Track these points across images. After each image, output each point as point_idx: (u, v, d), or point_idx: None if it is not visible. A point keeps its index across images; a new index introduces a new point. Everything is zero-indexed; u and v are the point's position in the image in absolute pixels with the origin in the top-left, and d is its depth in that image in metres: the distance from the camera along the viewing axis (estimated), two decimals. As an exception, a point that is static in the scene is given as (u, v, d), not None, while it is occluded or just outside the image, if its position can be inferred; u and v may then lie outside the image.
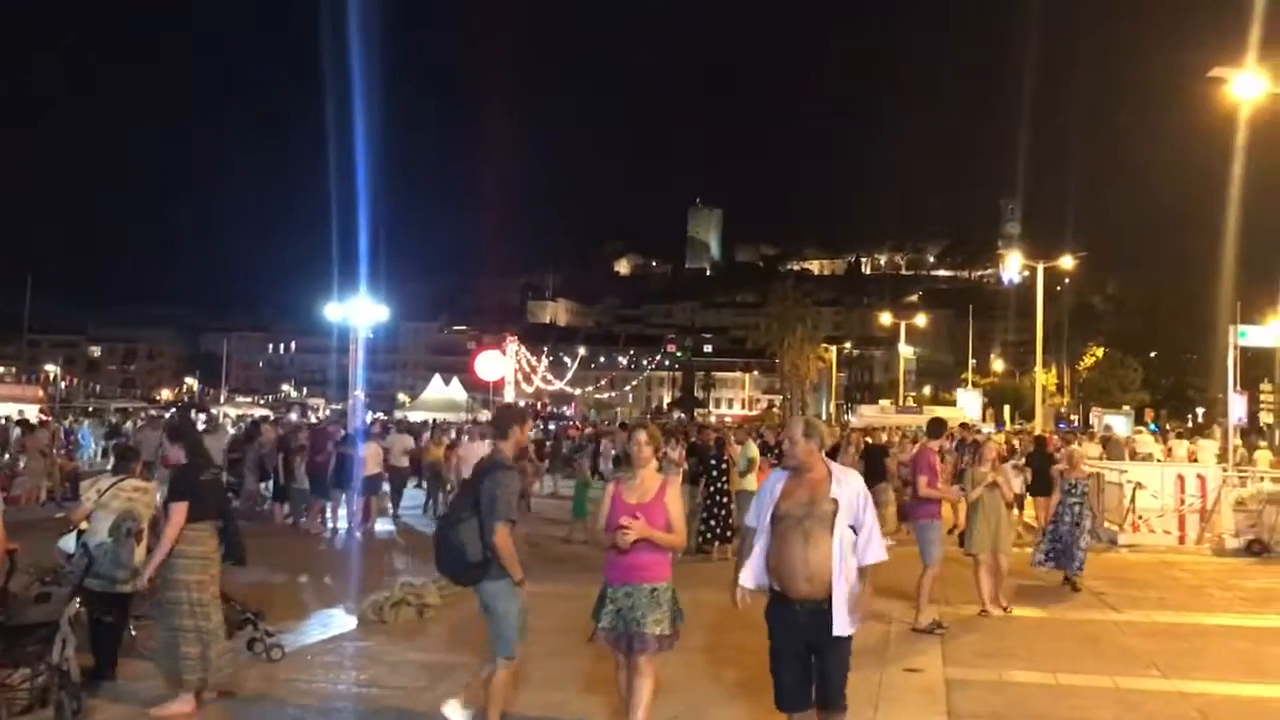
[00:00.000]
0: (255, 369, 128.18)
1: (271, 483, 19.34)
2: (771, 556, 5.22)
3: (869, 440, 22.21)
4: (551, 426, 44.44)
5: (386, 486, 19.49)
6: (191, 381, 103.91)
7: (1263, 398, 42.36)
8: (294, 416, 48.50)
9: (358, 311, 32.87)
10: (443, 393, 62.05)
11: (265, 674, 7.88)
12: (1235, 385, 30.60)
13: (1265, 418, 42.10)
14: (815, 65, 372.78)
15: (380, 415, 60.64)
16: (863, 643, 9.08)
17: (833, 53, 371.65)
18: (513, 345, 65.56)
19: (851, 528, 5.17)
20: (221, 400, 72.44)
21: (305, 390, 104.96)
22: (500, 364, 60.67)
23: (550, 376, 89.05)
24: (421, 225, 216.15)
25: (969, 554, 10.81)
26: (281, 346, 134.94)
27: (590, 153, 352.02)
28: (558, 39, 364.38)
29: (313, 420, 36.97)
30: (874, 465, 17.49)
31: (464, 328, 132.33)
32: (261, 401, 78.78)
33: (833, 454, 19.62)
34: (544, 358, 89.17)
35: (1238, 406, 33.42)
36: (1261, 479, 17.04)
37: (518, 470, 6.42)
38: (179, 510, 6.87)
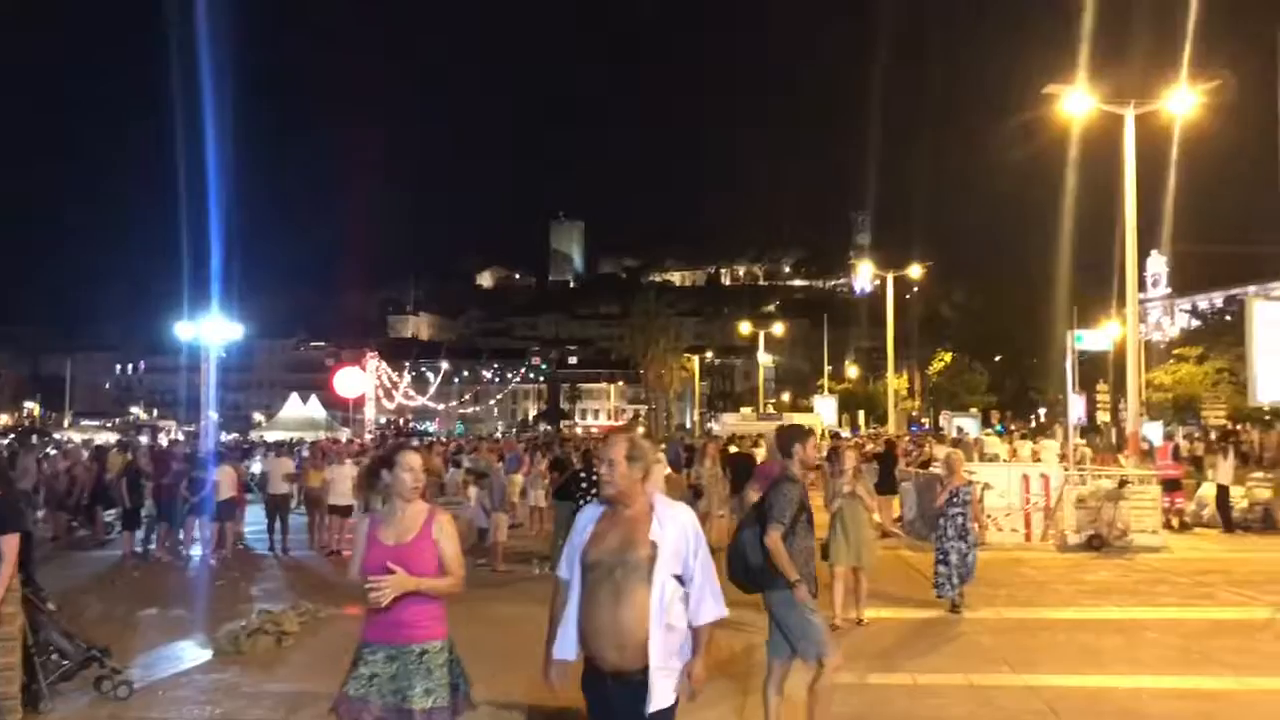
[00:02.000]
0: (101, 391, 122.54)
1: (119, 510, 18.49)
2: (581, 617, 4.13)
3: (733, 448, 22.41)
4: (416, 443, 43.68)
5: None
6: (33, 405, 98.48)
7: (1098, 398, 44.59)
8: (144, 439, 46.60)
9: (210, 329, 31.81)
10: (300, 411, 60.47)
11: (113, 713, 7.53)
12: (1074, 387, 32.21)
13: (1102, 416, 44.33)
14: (675, 80, 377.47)
15: (235, 436, 58.79)
16: (728, 653, 9.30)
17: (692, 67, 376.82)
18: (373, 361, 64.27)
19: (678, 578, 4.09)
20: (65, 424, 69.01)
21: (155, 412, 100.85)
22: (360, 380, 59.52)
23: (412, 392, 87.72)
24: (276, 238, 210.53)
25: (831, 565, 10.55)
26: (129, 367, 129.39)
27: (451, 165, 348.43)
28: (421, 51, 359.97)
29: (163, 443, 35.55)
30: (742, 474, 17.75)
31: (322, 344, 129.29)
32: (109, 425, 75.39)
33: (689, 462, 19.90)
34: (406, 373, 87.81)
35: (1076, 407, 35.16)
36: (1099, 477, 17.89)
37: (803, 483, 6.62)
38: (10, 542, 6.50)
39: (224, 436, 53.90)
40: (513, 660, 7.51)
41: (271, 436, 50.91)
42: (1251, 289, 66.44)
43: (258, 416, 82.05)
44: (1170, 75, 23.14)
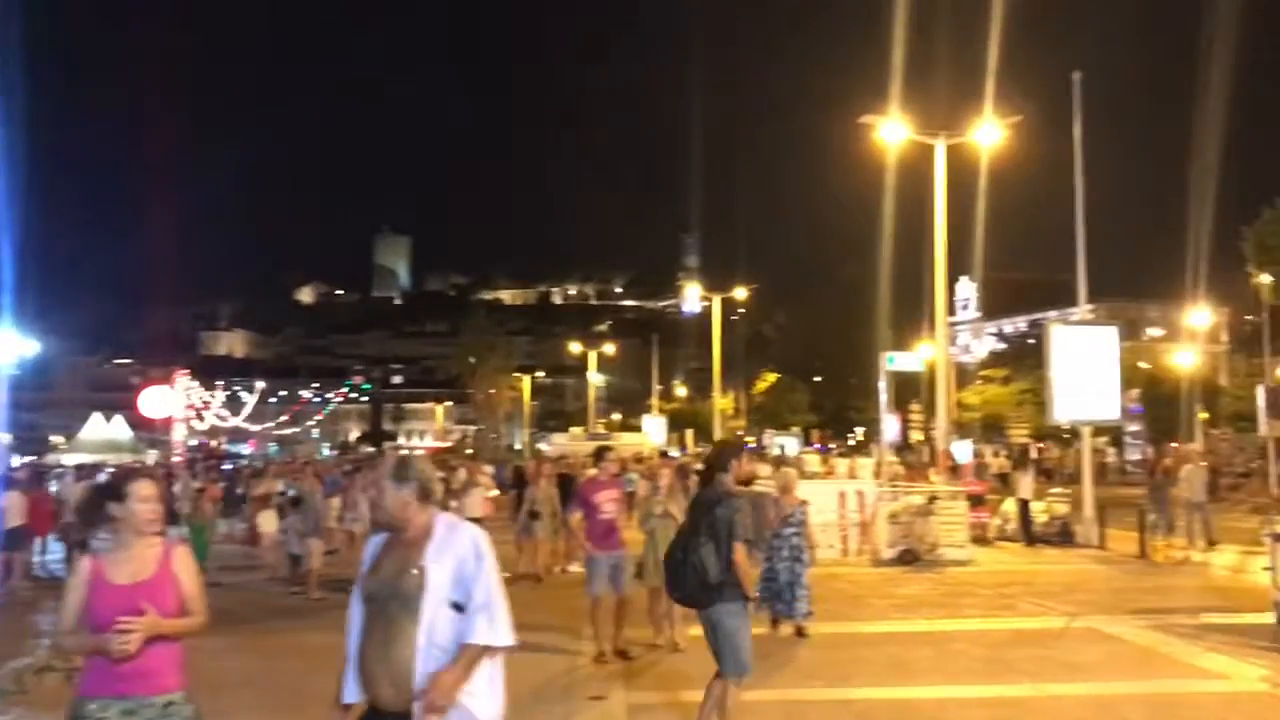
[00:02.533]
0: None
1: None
2: (359, 654, 3.84)
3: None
4: (227, 466, 41.81)
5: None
6: None
7: (912, 417, 46.43)
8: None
9: (2, 345, 29.68)
10: (103, 433, 57.09)
11: None
12: (888, 406, 33.46)
13: (915, 435, 46.18)
14: (504, 96, 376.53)
15: (31, 459, 55.07)
16: (550, 675, 9.15)
17: (519, 86, 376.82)
18: (183, 380, 61.25)
19: (458, 605, 3.74)
20: None
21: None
22: (169, 400, 56.59)
23: (225, 413, 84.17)
24: (81, 248, 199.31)
25: (644, 586, 10.34)
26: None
27: (272, 177, 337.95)
28: (244, 57, 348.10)
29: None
30: (564, 494, 17.68)
31: (128, 361, 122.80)
32: (-116, 448, 69.43)
33: (519, 483, 19.60)
34: (219, 392, 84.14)
35: (891, 426, 36.54)
36: (910, 493, 18.53)
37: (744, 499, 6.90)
38: None
39: (16, 460, 50.46)
40: (318, 698, 7.12)
41: (71, 459, 47.96)
42: (1053, 314, 70.61)
43: (55, 438, 77.18)
44: (977, 109, 24.34)
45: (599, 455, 11.34)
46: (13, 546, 16.28)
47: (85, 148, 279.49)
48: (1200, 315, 50.97)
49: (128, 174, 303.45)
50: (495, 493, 25.35)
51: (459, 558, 3.80)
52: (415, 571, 3.75)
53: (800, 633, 10.94)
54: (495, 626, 3.76)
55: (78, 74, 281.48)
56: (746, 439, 74.18)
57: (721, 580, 6.38)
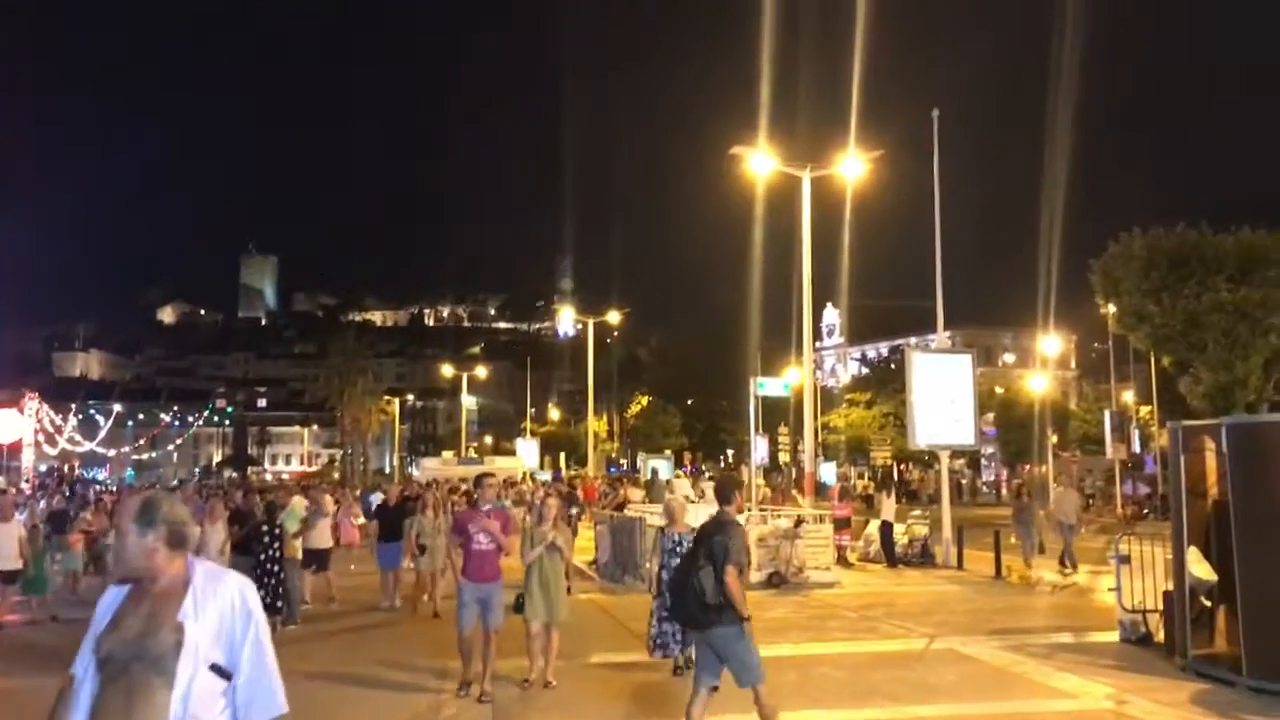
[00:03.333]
0: None
1: None
2: None
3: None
4: (76, 491, 39.98)
5: None
6: None
7: (780, 439, 47.33)
8: None
9: None
10: (-56, 458, 54.26)
11: None
12: (757, 429, 34.11)
13: (783, 457, 47.08)
14: (375, 114, 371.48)
15: None
16: (415, 713, 9.06)
17: (391, 106, 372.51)
18: (33, 403, 58.52)
19: (218, 669, 3.28)
20: None
21: None
22: (17, 424, 54.02)
23: (79, 437, 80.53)
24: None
25: (525, 620, 9.96)
26: None
27: (133, 191, 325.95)
28: (105, 67, 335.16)
29: None
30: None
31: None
32: None
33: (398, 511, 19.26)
34: (72, 415, 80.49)
35: (760, 448, 37.27)
36: (779, 516, 18.90)
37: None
38: None
39: None
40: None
41: (-93, 487, 45.29)
42: (912, 339, 73.09)
43: (-109, 465, 72.75)
44: (841, 143, 25.10)
45: (478, 483, 11.05)
46: None
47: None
48: (1051, 343, 53.33)
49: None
50: (362, 520, 24.96)
51: (221, 613, 3.32)
52: (173, 630, 3.26)
53: (678, 668, 10.26)
54: (275, 697, 3.37)
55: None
56: (620, 461, 74.68)
57: (719, 602, 6.89)
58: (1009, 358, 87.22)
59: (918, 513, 23.65)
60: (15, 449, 56.35)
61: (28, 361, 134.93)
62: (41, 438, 62.89)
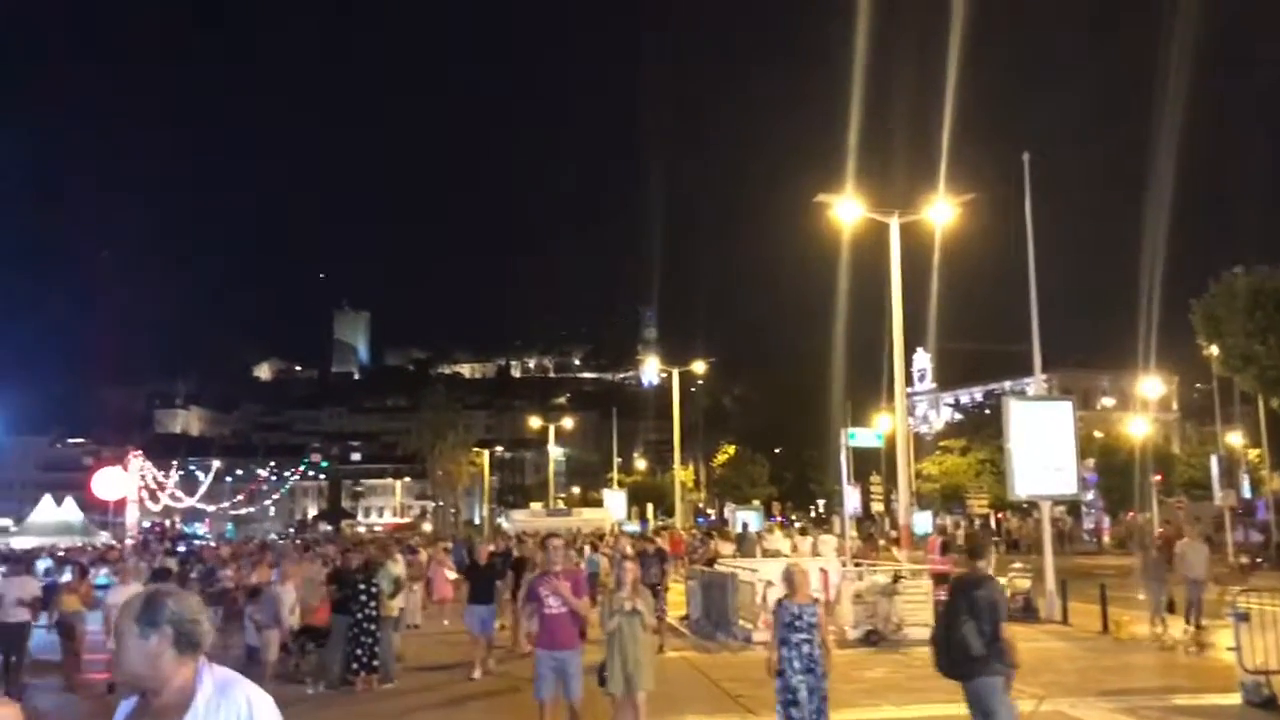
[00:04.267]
0: None
1: None
2: None
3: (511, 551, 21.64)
4: (182, 548, 40.96)
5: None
6: None
7: (872, 489, 46.50)
8: None
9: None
10: (55, 515, 56.17)
11: None
12: (849, 479, 33.54)
13: (876, 506, 46.24)
14: (463, 172, 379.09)
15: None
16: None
17: (480, 162, 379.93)
18: (136, 460, 60.28)
19: None
20: None
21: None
22: (122, 481, 55.67)
23: (180, 493, 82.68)
24: (32, 327, 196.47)
25: (606, 694, 9.31)
26: None
27: (229, 252, 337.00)
28: (200, 133, 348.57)
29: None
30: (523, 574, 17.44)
31: (81, 441, 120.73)
32: None
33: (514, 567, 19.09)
34: (174, 472, 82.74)
35: (852, 498, 36.62)
36: (874, 571, 18.50)
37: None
38: None
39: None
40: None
41: (20, 543, 46.94)
42: (1007, 383, 71.64)
43: (5, 521, 75.46)
44: (930, 187, 24.83)
45: (544, 544, 10.46)
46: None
47: (38, 224, 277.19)
48: (1151, 384, 51.80)
49: (81, 250, 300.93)
50: (453, 575, 24.95)
51: None
52: None
53: None
54: None
55: (35, 150, 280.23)
56: (707, 511, 74.17)
57: (984, 654, 7.28)
58: (1108, 401, 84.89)
59: (1019, 565, 22.91)
60: (120, 506, 57.95)
61: (131, 419, 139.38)
62: (145, 494, 64.67)
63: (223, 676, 3.06)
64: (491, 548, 18.65)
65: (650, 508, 70.99)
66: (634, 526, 56.28)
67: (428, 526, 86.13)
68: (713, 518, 70.26)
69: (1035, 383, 25.66)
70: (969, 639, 7.28)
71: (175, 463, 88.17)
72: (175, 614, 2.96)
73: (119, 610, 3.07)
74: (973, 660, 7.30)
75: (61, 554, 36.24)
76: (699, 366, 62.12)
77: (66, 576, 19.89)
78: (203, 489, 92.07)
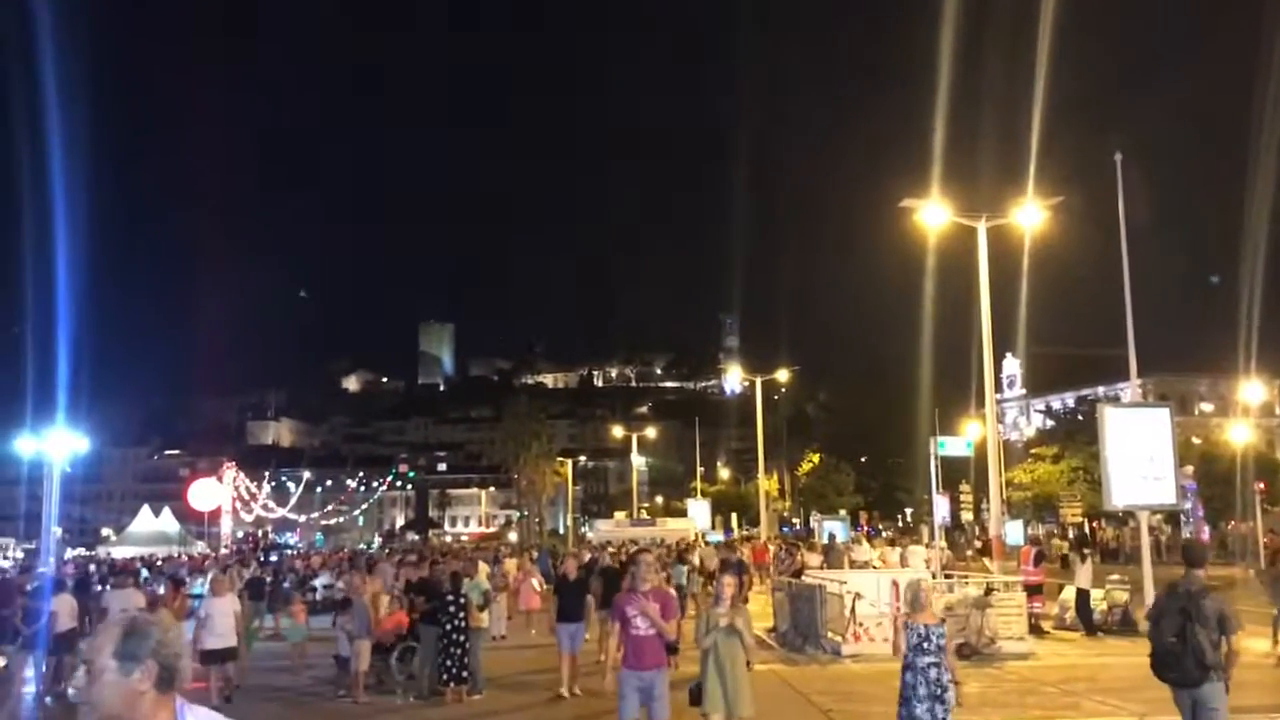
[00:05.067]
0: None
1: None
2: None
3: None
4: (273, 558, 41.83)
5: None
6: None
7: (962, 497, 45.70)
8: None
9: (54, 444, 30.10)
10: (153, 525, 57.92)
11: None
12: (937, 489, 32.99)
13: (965, 515, 45.42)
14: (546, 182, 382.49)
15: (81, 551, 55.59)
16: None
17: (563, 171, 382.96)
18: (230, 471, 61.83)
19: None
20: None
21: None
22: (216, 492, 57.14)
23: (272, 503, 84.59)
24: (129, 341, 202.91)
25: (701, 714, 8.98)
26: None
27: (316, 267, 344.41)
28: (290, 147, 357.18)
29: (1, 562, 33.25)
30: (610, 589, 17.41)
31: (177, 453, 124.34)
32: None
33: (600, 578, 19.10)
34: (265, 483, 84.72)
35: (941, 507, 36.01)
36: (967, 583, 18.12)
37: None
38: None
39: (68, 554, 50.94)
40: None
41: (120, 553, 48.37)
42: (1100, 389, 69.79)
43: (106, 531, 78.05)
44: (1019, 191, 24.32)
45: (632, 560, 10.30)
46: (63, 650, 16.23)
47: (134, 241, 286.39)
48: (1253, 389, 50.04)
49: (175, 266, 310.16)
50: (538, 585, 24.90)
51: None
52: None
53: None
54: None
55: (126, 171, 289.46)
56: (793, 520, 73.56)
57: (1215, 662, 7.48)
58: (1206, 406, 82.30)
59: (1116, 576, 22.27)
60: (215, 516, 59.46)
61: (225, 430, 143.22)
62: (238, 505, 66.26)
63: (203, 715, 2.80)
64: (582, 561, 18.11)
65: (734, 517, 70.64)
66: (718, 536, 56.01)
67: (513, 536, 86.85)
68: (798, 527, 69.66)
69: (1130, 388, 24.91)
70: (1204, 648, 7.47)
71: (267, 474, 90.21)
72: (160, 647, 2.69)
73: (90, 642, 2.82)
74: (1206, 668, 7.48)
75: (159, 564, 37.28)
76: (782, 374, 61.63)
77: (163, 590, 20.49)
78: (293, 499, 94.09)
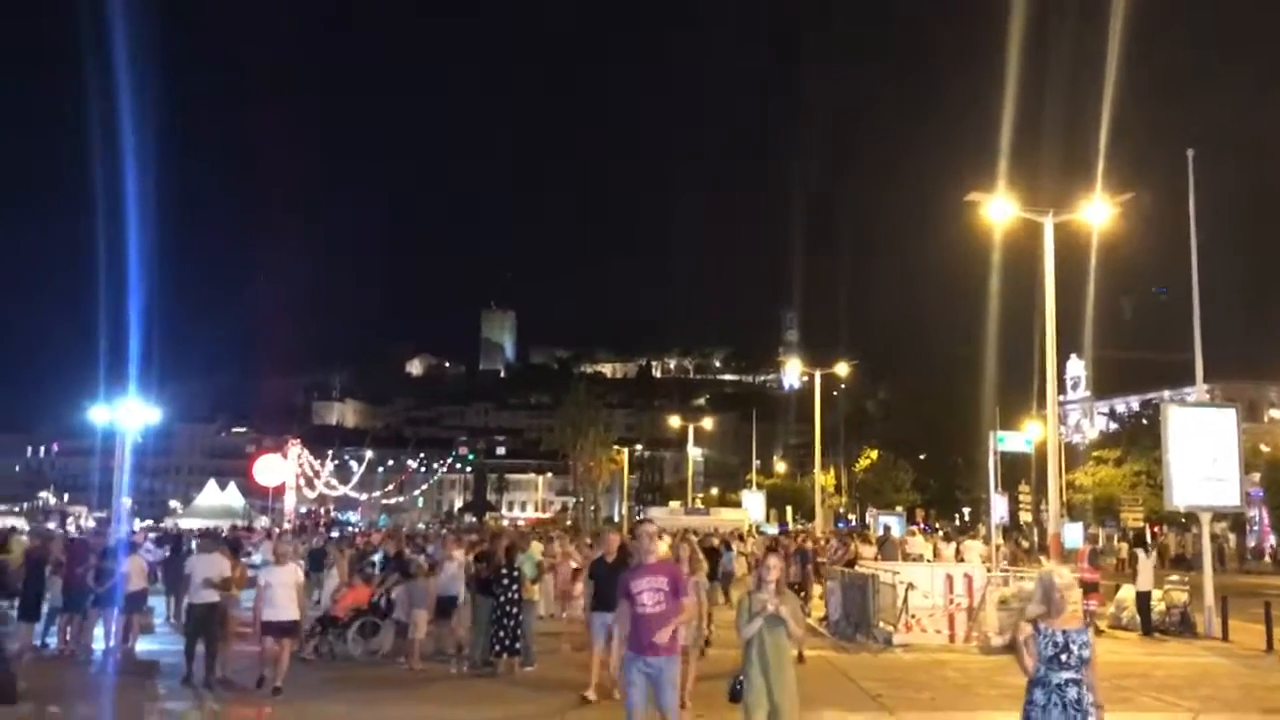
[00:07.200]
0: (11, 474, 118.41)
1: (18, 601, 17.68)
2: None
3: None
4: (334, 534, 42.63)
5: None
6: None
7: (1021, 498, 45.16)
8: (53, 525, 44.94)
9: (126, 414, 31.01)
10: (218, 499, 59.17)
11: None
12: (997, 487, 32.68)
13: (1024, 516, 44.88)
14: (609, 173, 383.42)
15: (149, 523, 56.98)
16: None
17: (625, 162, 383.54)
18: (295, 448, 63.01)
19: None
20: (-29, 508, 66.58)
21: (66, 497, 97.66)
22: (281, 468, 58.27)
23: (334, 481, 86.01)
24: (200, 320, 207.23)
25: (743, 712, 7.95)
26: (40, 450, 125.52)
27: (384, 251, 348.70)
28: (357, 134, 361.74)
29: (73, 529, 34.31)
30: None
31: (243, 429, 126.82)
32: (17, 510, 72.83)
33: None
34: (329, 461, 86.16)
35: (999, 507, 35.65)
36: (1023, 578, 18.03)
37: None
38: None
39: (137, 524, 52.25)
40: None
41: (187, 524, 49.54)
42: (1166, 393, 68.43)
43: (174, 503, 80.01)
44: (1088, 186, 23.99)
45: (634, 532, 9.23)
46: (132, 608, 16.77)
47: (204, 225, 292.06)
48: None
49: (246, 248, 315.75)
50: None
51: None
52: None
53: None
54: None
55: (196, 154, 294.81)
56: (848, 516, 73.21)
57: None
58: (1276, 414, 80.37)
59: (1174, 578, 21.98)
60: (279, 492, 60.65)
61: (290, 409, 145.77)
62: (302, 481, 67.49)
63: None
64: (619, 540, 14.23)
65: (789, 510, 70.49)
66: (772, 528, 55.97)
67: (569, 522, 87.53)
68: (853, 523, 69.33)
69: (1197, 392, 24.51)
70: None
71: (330, 452, 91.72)
72: None
73: None
74: None
75: (224, 537, 38.08)
76: (842, 368, 61.36)
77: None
78: (355, 478, 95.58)
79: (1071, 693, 6.22)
